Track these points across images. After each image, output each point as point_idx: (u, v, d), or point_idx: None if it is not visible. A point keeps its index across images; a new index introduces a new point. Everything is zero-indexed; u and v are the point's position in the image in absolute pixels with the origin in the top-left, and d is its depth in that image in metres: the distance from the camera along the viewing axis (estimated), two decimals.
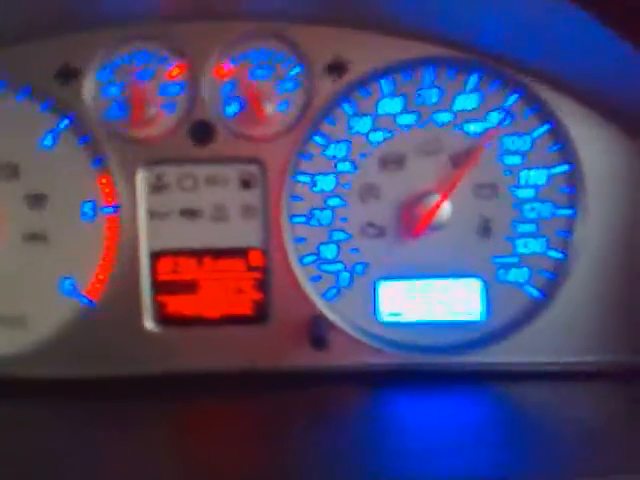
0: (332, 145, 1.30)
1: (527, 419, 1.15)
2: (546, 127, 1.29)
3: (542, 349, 1.31)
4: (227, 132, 1.29)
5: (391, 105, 1.29)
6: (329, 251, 1.33)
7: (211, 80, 1.29)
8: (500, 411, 1.21)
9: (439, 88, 1.29)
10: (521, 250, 1.31)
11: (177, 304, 1.34)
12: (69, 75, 1.28)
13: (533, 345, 1.31)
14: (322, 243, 1.33)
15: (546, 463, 0.97)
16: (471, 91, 1.29)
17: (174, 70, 1.29)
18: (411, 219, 1.30)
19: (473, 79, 1.28)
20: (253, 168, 1.31)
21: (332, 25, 1.26)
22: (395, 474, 0.96)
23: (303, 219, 1.32)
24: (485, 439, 1.06)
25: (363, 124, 1.30)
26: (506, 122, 1.29)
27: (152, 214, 1.32)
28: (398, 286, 1.33)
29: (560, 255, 1.31)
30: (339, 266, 1.33)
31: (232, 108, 1.30)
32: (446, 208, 1.29)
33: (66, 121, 1.30)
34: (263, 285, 1.33)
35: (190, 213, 1.32)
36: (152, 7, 1.25)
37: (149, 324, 1.33)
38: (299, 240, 1.32)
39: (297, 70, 1.29)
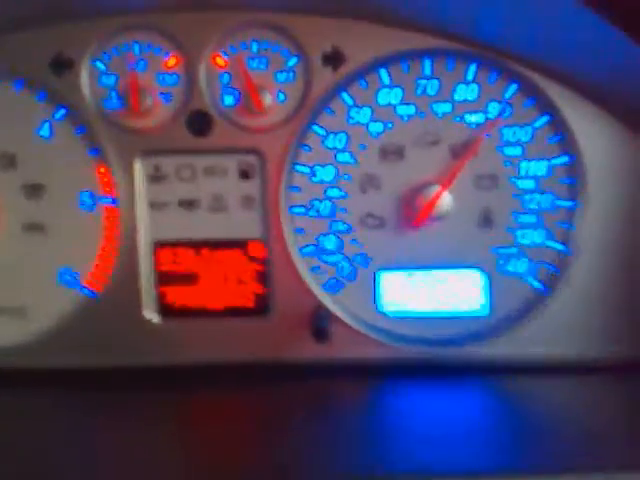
0: (331, 136, 1.30)
1: (528, 412, 1.16)
2: (546, 118, 1.28)
3: (543, 342, 1.31)
4: (225, 123, 1.29)
5: (390, 96, 1.29)
6: (329, 242, 1.33)
7: (208, 70, 1.28)
8: (501, 404, 1.21)
9: (438, 79, 1.28)
10: (522, 241, 1.31)
11: (177, 295, 1.34)
12: (64, 65, 1.28)
13: (535, 338, 1.31)
14: (322, 234, 1.32)
15: (546, 456, 0.97)
16: (470, 82, 1.28)
17: (170, 60, 1.29)
18: (411, 210, 1.29)
19: (472, 70, 1.28)
20: (252, 159, 1.30)
21: (330, 16, 1.25)
22: (396, 467, 0.96)
23: (302, 210, 1.32)
24: (486, 432, 1.07)
25: (363, 115, 1.29)
26: (506, 113, 1.28)
27: (151, 204, 1.32)
28: (399, 277, 1.33)
29: (561, 247, 1.31)
30: (339, 257, 1.33)
31: (230, 99, 1.29)
32: (446, 199, 1.28)
33: (62, 111, 1.30)
34: (264, 277, 1.33)
35: (189, 204, 1.32)
36: None
37: (149, 315, 1.33)
38: (299, 231, 1.32)
39: (294, 61, 1.28)
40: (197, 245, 1.33)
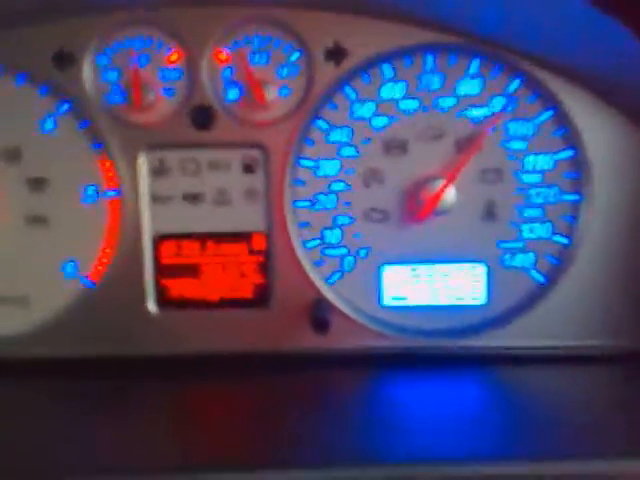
0: (335, 130, 1.29)
1: (529, 403, 1.15)
2: (550, 112, 1.27)
3: (545, 333, 1.31)
4: (228, 117, 1.29)
5: (394, 90, 1.28)
6: (333, 235, 1.32)
7: (210, 65, 1.28)
8: (502, 395, 1.21)
9: (441, 73, 1.27)
10: (527, 235, 1.31)
11: (179, 287, 1.34)
12: (66, 60, 1.28)
13: (536, 329, 1.31)
14: (326, 227, 1.32)
15: (547, 446, 0.97)
16: (473, 76, 1.27)
17: (173, 55, 1.29)
18: (415, 204, 1.29)
19: (475, 65, 1.27)
20: (255, 153, 1.30)
21: (332, 11, 1.25)
22: (396, 457, 0.96)
23: (307, 203, 1.32)
24: (487, 422, 1.06)
25: (366, 109, 1.29)
26: (510, 108, 1.28)
27: (154, 198, 1.32)
28: (402, 270, 1.33)
29: (565, 240, 1.31)
30: (343, 250, 1.33)
31: (233, 93, 1.29)
32: (450, 193, 1.28)
33: (66, 105, 1.30)
34: (265, 269, 1.33)
35: (193, 197, 1.32)
36: None
37: (151, 306, 1.33)
38: (303, 224, 1.32)
39: (297, 56, 1.28)
40: (200, 237, 1.33)
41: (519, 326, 1.31)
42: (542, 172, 1.29)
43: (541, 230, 1.31)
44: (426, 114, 1.28)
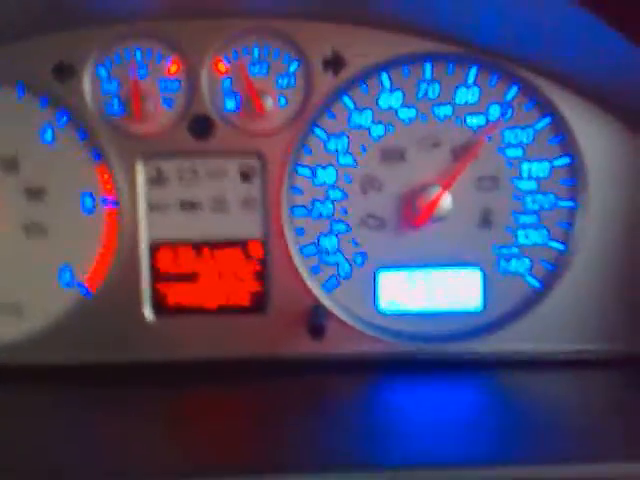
0: (333, 139, 1.30)
1: (525, 407, 1.15)
2: (547, 120, 1.28)
3: (540, 338, 1.32)
4: (227, 127, 1.29)
5: (391, 99, 1.29)
6: (329, 242, 1.33)
7: (209, 75, 1.29)
8: (499, 399, 1.21)
9: (439, 82, 1.28)
10: (522, 241, 1.31)
11: (176, 294, 1.34)
12: (66, 72, 1.28)
13: (531, 334, 1.32)
14: (322, 234, 1.32)
15: (543, 450, 0.97)
16: (471, 85, 1.28)
17: (172, 66, 1.29)
18: (412, 211, 1.29)
19: (472, 73, 1.28)
20: (253, 161, 1.31)
21: (330, 21, 1.26)
22: (392, 462, 0.96)
23: (304, 211, 1.32)
24: (483, 427, 1.07)
25: (364, 118, 1.29)
26: (507, 115, 1.28)
27: (152, 206, 1.32)
28: (398, 276, 1.33)
29: (561, 246, 1.31)
30: (339, 257, 1.33)
31: (231, 103, 1.29)
32: (447, 200, 1.28)
33: (65, 117, 1.30)
34: (262, 276, 1.33)
35: (190, 205, 1.32)
36: (149, 4, 1.24)
37: (148, 314, 1.33)
38: (299, 231, 1.32)
39: (295, 65, 1.28)
40: (197, 245, 1.33)
41: (515, 331, 1.32)
42: (538, 179, 1.30)
43: (537, 236, 1.32)
44: (424, 122, 1.29)
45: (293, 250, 1.31)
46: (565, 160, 1.29)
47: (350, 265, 1.33)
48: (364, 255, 1.33)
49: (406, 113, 1.29)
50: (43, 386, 1.25)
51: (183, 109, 1.29)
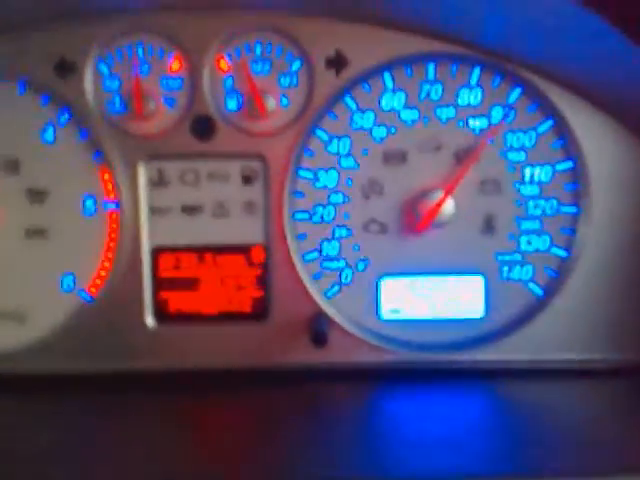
0: (334, 141, 1.29)
1: (528, 416, 1.15)
2: (550, 123, 1.28)
3: (543, 346, 1.31)
4: (228, 127, 1.28)
5: (394, 100, 1.28)
6: (331, 248, 1.32)
7: (211, 74, 1.28)
8: (502, 409, 1.21)
9: (442, 83, 1.28)
10: (525, 247, 1.31)
11: (178, 301, 1.33)
12: (67, 68, 1.27)
13: (534, 342, 1.31)
14: (325, 240, 1.32)
15: (545, 460, 0.97)
16: (474, 86, 1.28)
17: (174, 64, 1.28)
18: (414, 216, 1.29)
19: (475, 74, 1.28)
20: (255, 164, 1.30)
21: (333, 20, 1.26)
22: (394, 471, 0.96)
23: (306, 215, 1.31)
24: (484, 436, 1.07)
25: (366, 119, 1.29)
26: (509, 118, 1.28)
27: (153, 210, 1.32)
28: (400, 283, 1.33)
29: (564, 253, 1.31)
30: (341, 263, 1.32)
31: (233, 103, 1.29)
32: (449, 205, 1.28)
33: (66, 115, 1.30)
34: (264, 282, 1.33)
35: (191, 209, 1.32)
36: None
37: (149, 321, 1.32)
38: (301, 237, 1.32)
39: (298, 65, 1.28)
40: (199, 251, 1.32)
41: (518, 339, 1.31)
42: (541, 184, 1.29)
43: (539, 242, 1.31)
44: (426, 124, 1.29)
45: (295, 256, 1.31)
46: (568, 164, 1.29)
47: (352, 271, 1.32)
48: (366, 261, 1.32)
49: (409, 115, 1.29)
50: (45, 394, 1.24)
51: (185, 109, 1.29)
